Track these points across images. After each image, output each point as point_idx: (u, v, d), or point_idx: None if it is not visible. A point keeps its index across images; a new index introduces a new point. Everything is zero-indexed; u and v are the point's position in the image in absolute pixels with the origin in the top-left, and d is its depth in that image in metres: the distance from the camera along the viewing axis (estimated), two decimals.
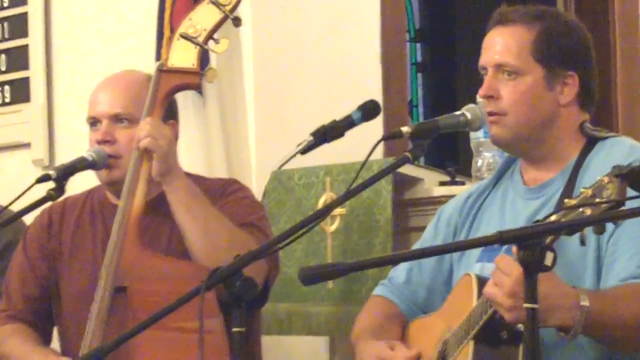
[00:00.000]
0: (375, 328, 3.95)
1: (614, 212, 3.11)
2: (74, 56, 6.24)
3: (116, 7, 6.07)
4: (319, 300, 4.70)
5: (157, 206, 4.29)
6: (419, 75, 8.82)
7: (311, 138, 3.79)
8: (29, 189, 4.33)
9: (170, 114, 4.43)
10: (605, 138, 3.79)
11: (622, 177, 3.10)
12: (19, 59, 6.45)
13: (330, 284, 4.58)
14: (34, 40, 6.37)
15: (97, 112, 4.46)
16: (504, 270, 3.35)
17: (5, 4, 6.51)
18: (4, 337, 4.51)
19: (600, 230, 3.20)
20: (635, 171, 3.07)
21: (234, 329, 3.34)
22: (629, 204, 3.14)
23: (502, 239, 3.10)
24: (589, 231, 3.22)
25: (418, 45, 8.65)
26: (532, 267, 3.06)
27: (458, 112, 3.77)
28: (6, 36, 6.54)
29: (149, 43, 5.47)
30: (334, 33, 5.95)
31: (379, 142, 3.77)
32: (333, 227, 4.73)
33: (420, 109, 8.72)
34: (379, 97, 5.57)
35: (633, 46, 6.32)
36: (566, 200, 3.24)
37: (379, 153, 3.94)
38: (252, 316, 4.14)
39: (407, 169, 4.65)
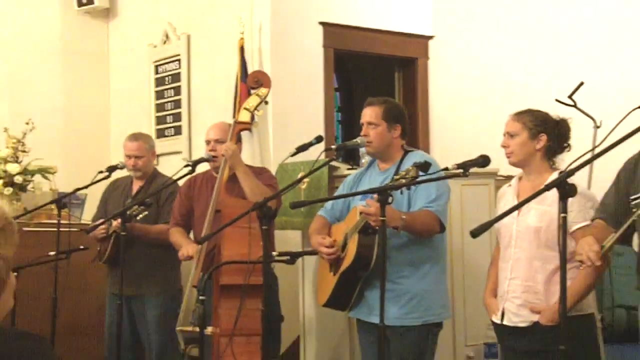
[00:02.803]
0: (317, 229, 3.87)
1: (413, 181, 3.22)
2: (199, 114, 6.12)
3: (217, 93, 5.95)
4: (297, 215, 4.60)
5: (233, 177, 4.25)
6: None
7: (295, 151, 3.92)
8: (179, 171, 4.34)
9: (239, 139, 4.41)
10: (412, 151, 3.79)
11: (416, 166, 3.24)
12: (177, 117, 6.34)
13: (302, 209, 4.44)
14: (184, 109, 6.25)
15: (209, 137, 4.45)
16: (370, 204, 3.36)
17: (171, 94, 6.42)
18: (174, 231, 4.50)
19: (408, 188, 3.40)
20: (419, 165, 3.20)
21: (264, 227, 3.36)
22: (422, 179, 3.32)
23: (374, 191, 3.27)
24: (404, 189, 3.43)
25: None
26: (384, 202, 3.15)
27: (355, 140, 3.79)
28: (173, 107, 6.40)
29: (230, 109, 5.47)
30: (306, 97, 5.78)
31: (323, 151, 3.95)
32: (304, 187, 4.62)
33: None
34: (322, 130, 5.62)
35: (422, 115, 6.39)
36: (394, 177, 3.30)
37: (322, 155, 4.05)
38: (271, 222, 3.93)
39: (334, 163, 4.48)
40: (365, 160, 4.20)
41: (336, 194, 4.06)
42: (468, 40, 6.62)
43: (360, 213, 3.47)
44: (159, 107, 6.54)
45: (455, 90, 6.50)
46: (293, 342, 4.94)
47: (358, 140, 3.79)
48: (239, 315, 3.68)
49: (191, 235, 4.55)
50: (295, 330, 4.82)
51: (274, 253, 3.65)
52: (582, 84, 4.54)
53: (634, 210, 2.78)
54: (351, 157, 5.59)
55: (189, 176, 4.48)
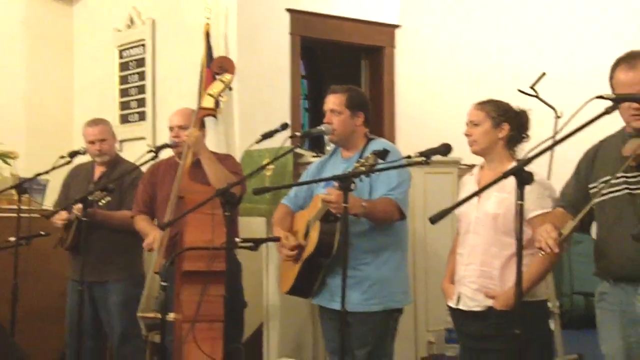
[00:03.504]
0: (281, 219, 3.86)
1: (372, 169, 3.21)
2: (164, 100, 6.04)
3: (182, 79, 5.86)
4: (262, 202, 4.60)
5: (197, 163, 4.21)
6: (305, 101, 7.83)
7: (260, 137, 3.94)
8: (143, 156, 4.33)
9: (202, 125, 4.39)
10: (374, 139, 3.80)
11: (375, 154, 3.26)
12: (141, 103, 6.27)
13: (267, 195, 4.45)
14: (148, 95, 6.18)
15: (173, 124, 4.42)
16: (330, 192, 3.41)
17: (136, 80, 6.34)
18: (138, 219, 4.46)
19: (368, 176, 3.36)
20: (378, 153, 3.21)
21: (227, 213, 3.41)
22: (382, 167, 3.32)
23: (336, 178, 3.27)
24: (364, 177, 3.40)
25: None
26: (347, 189, 3.18)
27: (320, 127, 3.79)
28: (137, 93, 6.30)
29: (195, 95, 5.36)
30: (272, 85, 5.72)
31: (287, 137, 3.95)
32: (269, 173, 4.62)
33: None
34: (288, 117, 5.60)
35: (388, 104, 6.42)
36: (355, 164, 3.29)
37: (287, 143, 4.04)
38: (234, 208, 4.06)
39: (299, 150, 4.61)
40: (329, 147, 4.21)
41: (300, 180, 4.09)
42: (434, 30, 6.65)
43: (322, 201, 3.49)
44: (123, 93, 6.47)
45: (421, 79, 6.53)
46: (256, 329, 4.94)
47: (323, 127, 3.80)
48: (201, 302, 3.68)
49: (154, 222, 4.51)
50: (259, 317, 4.83)
51: (237, 239, 3.66)
52: (544, 74, 4.59)
53: (592, 198, 2.84)
54: (317, 144, 5.58)
55: (152, 162, 4.46)
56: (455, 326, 3.50)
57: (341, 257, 3.24)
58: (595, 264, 3.05)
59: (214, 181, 4.11)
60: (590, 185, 2.94)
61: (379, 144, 3.72)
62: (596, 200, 2.80)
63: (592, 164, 2.98)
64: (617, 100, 2.46)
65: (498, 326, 3.17)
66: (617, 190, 2.84)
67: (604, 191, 2.81)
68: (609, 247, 2.89)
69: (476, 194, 2.89)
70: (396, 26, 6.46)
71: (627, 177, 2.82)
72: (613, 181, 2.79)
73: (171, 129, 4.45)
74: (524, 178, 2.37)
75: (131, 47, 6.41)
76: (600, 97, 2.47)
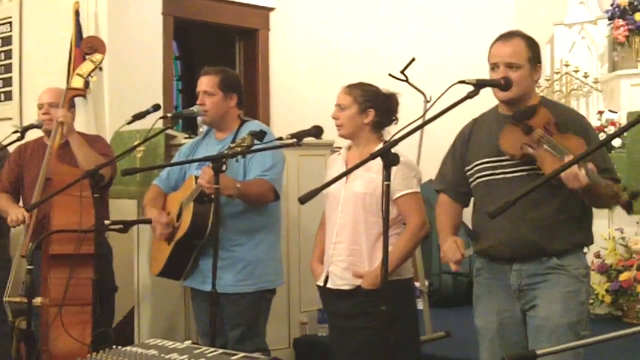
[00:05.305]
0: (153, 200, 3.80)
1: (248, 149, 3.26)
2: (31, 80, 5.82)
3: (51, 58, 5.67)
4: (133, 184, 4.51)
5: (65, 145, 4.13)
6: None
7: (131, 118, 3.85)
8: (8, 137, 4.27)
9: (72, 105, 4.29)
10: (248, 120, 3.79)
11: (252, 135, 3.28)
12: (8, 82, 6.02)
13: (137, 177, 4.41)
14: (15, 74, 5.96)
15: (42, 101, 4.31)
16: (206, 172, 3.37)
17: (2, 58, 6.07)
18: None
19: (243, 157, 3.40)
20: (255, 133, 3.25)
21: (95, 195, 3.36)
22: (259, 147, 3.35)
23: (209, 159, 3.29)
24: (240, 158, 3.43)
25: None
26: (218, 170, 3.20)
27: (192, 108, 3.74)
28: (3, 72, 6.04)
29: (64, 75, 5.22)
30: (144, 65, 5.63)
31: (159, 118, 3.83)
32: (140, 155, 4.50)
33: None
34: (160, 98, 5.52)
35: (262, 86, 6.44)
36: (231, 145, 3.30)
37: (160, 123, 3.96)
38: (104, 190, 4.04)
39: (171, 131, 4.44)
40: (202, 129, 4.16)
41: (174, 160, 4.02)
42: (307, 13, 6.69)
43: (196, 180, 3.47)
44: None
45: (295, 62, 6.57)
46: (128, 312, 4.86)
47: (194, 109, 3.76)
48: (69, 285, 3.59)
49: (21, 204, 4.36)
50: (131, 300, 4.74)
51: (107, 221, 3.59)
52: (413, 59, 4.69)
53: (470, 180, 2.93)
54: (190, 126, 5.52)
55: (18, 143, 4.33)
56: (324, 305, 3.54)
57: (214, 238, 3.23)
58: (472, 244, 3.11)
59: (83, 163, 4.03)
60: (467, 168, 2.98)
61: (253, 125, 3.72)
62: (472, 184, 2.85)
63: (467, 144, 3.00)
64: (478, 86, 2.53)
65: (365, 304, 3.22)
66: (491, 174, 2.88)
67: (479, 174, 2.89)
68: (484, 230, 2.92)
69: (344, 174, 2.93)
70: (271, 9, 6.47)
71: (501, 160, 2.85)
72: (487, 165, 2.87)
73: (41, 106, 4.33)
74: (390, 160, 2.43)
75: None
76: (463, 82, 2.54)
